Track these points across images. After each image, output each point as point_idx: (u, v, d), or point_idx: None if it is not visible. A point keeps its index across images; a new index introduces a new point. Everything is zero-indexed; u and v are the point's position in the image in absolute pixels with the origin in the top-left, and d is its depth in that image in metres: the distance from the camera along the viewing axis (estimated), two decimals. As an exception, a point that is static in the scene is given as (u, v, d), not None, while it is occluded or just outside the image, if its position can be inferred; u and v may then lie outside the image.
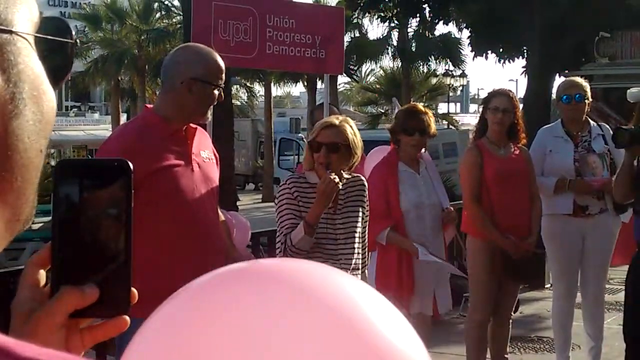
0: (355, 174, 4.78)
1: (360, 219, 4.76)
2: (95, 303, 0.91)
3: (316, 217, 4.52)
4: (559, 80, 18.91)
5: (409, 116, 5.72)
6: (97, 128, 43.49)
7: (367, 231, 4.89)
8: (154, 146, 3.89)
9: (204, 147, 4.09)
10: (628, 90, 14.63)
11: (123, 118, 40.54)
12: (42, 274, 0.93)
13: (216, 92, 4.02)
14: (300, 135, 32.80)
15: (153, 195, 3.78)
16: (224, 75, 4.08)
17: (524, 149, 6.33)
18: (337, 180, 4.51)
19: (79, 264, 0.91)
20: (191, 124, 4.03)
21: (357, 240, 4.72)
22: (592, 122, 6.60)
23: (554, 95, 18.90)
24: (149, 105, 4.19)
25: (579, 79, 6.71)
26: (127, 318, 0.93)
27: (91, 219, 0.91)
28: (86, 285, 0.90)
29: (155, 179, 3.81)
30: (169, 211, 3.87)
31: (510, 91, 6.42)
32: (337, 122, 4.66)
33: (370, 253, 5.58)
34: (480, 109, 6.43)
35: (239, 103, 45.44)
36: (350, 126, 4.64)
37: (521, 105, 6.64)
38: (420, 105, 6.15)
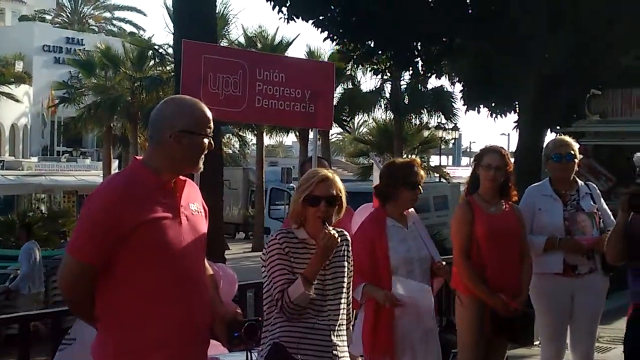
0: (339, 228, 4.69)
1: (346, 274, 4.73)
2: None
3: (315, 273, 4.48)
4: (550, 135, 19.02)
5: (410, 170, 5.68)
6: (88, 174, 43.45)
7: (351, 286, 4.84)
8: (142, 199, 3.81)
9: (193, 200, 4.04)
10: (635, 155, 14.65)
11: (115, 164, 40.57)
12: None
13: (206, 141, 3.97)
14: (291, 185, 32.80)
15: (140, 247, 3.75)
16: (212, 124, 4.04)
17: (515, 206, 6.31)
18: (336, 235, 4.48)
19: None
20: (180, 176, 3.98)
21: (344, 295, 4.68)
22: (579, 182, 6.59)
23: (545, 150, 18.99)
24: (138, 157, 4.14)
25: (568, 138, 6.72)
26: None
27: None
28: None
29: (142, 232, 3.76)
30: (155, 264, 3.79)
31: (503, 148, 6.41)
32: (330, 174, 4.65)
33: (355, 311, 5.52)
34: (473, 165, 6.41)
35: (230, 151, 45.54)
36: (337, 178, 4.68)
37: (512, 160, 6.61)
38: (417, 159, 6.14)
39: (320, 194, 4.54)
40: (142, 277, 3.78)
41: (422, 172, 5.74)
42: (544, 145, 7.00)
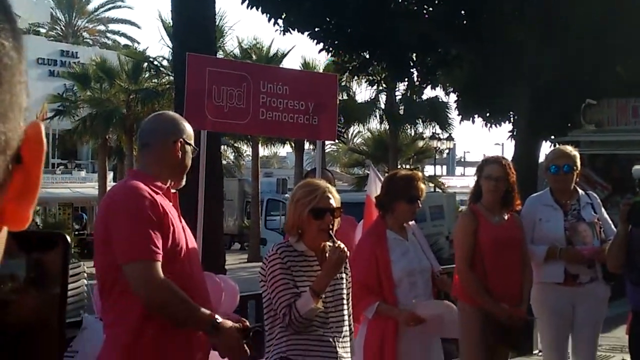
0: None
1: (345, 286, 4.74)
2: None
3: (325, 287, 4.49)
4: (545, 145, 19.07)
5: (411, 184, 5.68)
6: (83, 186, 43.35)
7: (350, 297, 4.85)
8: (159, 204, 3.92)
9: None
10: (634, 168, 14.70)
11: (110, 176, 40.46)
12: None
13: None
14: (287, 195, 32.79)
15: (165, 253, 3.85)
16: None
17: (516, 215, 6.34)
18: (345, 248, 4.52)
19: (10, 341, 0.88)
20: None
21: (345, 307, 4.69)
22: (580, 191, 6.62)
23: (541, 159, 19.04)
24: (134, 169, 4.25)
25: (569, 149, 6.74)
26: None
27: (26, 293, 0.88)
28: None
29: (164, 241, 3.86)
30: (165, 268, 3.87)
31: (504, 158, 6.46)
32: (329, 186, 4.68)
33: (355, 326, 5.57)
34: (475, 175, 6.45)
35: (225, 162, 45.49)
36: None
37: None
38: (419, 173, 6.17)
39: (325, 206, 4.53)
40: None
41: (422, 186, 5.76)
42: (545, 155, 7.04)
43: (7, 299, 0.87)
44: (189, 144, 4.11)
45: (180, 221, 4.04)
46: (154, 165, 4.04)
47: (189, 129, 4.15)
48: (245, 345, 4.02)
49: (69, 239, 0.90)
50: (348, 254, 4.59)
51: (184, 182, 4.18)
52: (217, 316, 3.93)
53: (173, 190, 4.09)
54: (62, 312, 0.89)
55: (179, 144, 4.04)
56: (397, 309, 5.50)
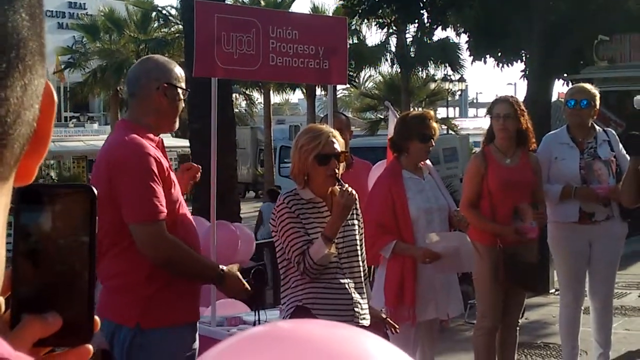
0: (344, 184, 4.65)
1: (357, 232, 4.72)
2: (58, 331, 0.89)
3: (336, 232, 4.49)
4: (558, 84, 18.91)
5: (423, 123, 5.70)
6: (96, 138, 43.33)
7: (364, 244, 4.85)
8: (161, 161, 3.98)
9: None
10: (635, 98, 14.57)
11: (122, 128, 40.43)
12: (1, 301, 0.91)
13: (183, 97, 4.17)
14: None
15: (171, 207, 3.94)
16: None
17: (533, 156, 6.33)
18: (353, 191, 4.51)
19: (41, 292, 0.89)
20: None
21: (358, 252, 4.69)
22: (598, 128, 6.59)
23: (553, 98, 18.92)
24: (124, 119, 4.27)
25: (589, 86, 6.72)
26: (89, 347, 0.92)
27: (55, 247, 0.89)
28: (49, 313, 0.88)
29: (168, 196, 3.93)
30: (176, 216, 3.99)
31: (512, 97, 6.46)
32: (332, 130, 4.65)
33: (373, 267, 5.59)
34: (488, 117, 6.45)
35: (237, 111, 45.40)
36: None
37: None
38: (431, 112, 6.19)
39: (330, 151, 4.50)
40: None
41: (435, 125, 5.78)
42: (565, 92, 7.02)
43: (36, 249, 0.88)
44: (176, 86, 4.09)
45: (172, 169, 4.11)
46: (143, 116, 4.07)
47: (175, 71, 4.13)
48: (247, 284, 4.18)
49: (95, 190, 0.90)
50: (357, 197, 4.58)
51: (176, 126, 4.21)
52: (221, 266, 4.08)
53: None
54: (92, 264, 0.90)
55: (162, 89, 4.04)
56: (413, 247, 5.54)
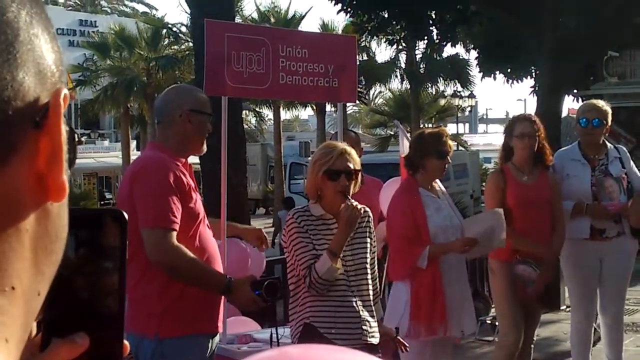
0: (360, 205, 4.62)
1: (368, 250, 4.71)
2: (89, 354, 0.89)
3: (341, 246, 4.49)
4: (568, 99, 18.90)
5: (440, 140, 5.72)
6: (107, 155, 43.61)
7: (376, 261, 4.83)
8: (182, 177, 4.14)
9: None
10: None
11: (133, 145, 40.62)
12: (33, 325, 0.92)
13: (208, 121, 4.37)
14: (309, 158, 32.74)
15: (186, 224, 4.07)
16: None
17: (551, 173, 6.33)
18: (359, 207, 4.51)
19: (71, 315, 0.90)
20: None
21: (368, 270, 4.67)
22: (609, 145, 6.59)
23: (563, 114, 18.90)
24: (153, 141, 4.49)
25: (601, 103, 6.72)
26: None
27: (86, 272, 0.89)
28: (77, 334, 0.88)
29: (183, 202, 4.08)
30: (186, 234, 4.10)
31: (532, 115, 6.51)
32: (347, 147, 4.66)
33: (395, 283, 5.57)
34: (504, 135, 6.43)
35: (247, 127, 45.48)
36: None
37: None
38: (446, 129, 6.20)
39: (340, 168, 4.51)
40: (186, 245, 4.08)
41: (450, 142, 5.79)
42: (577, 109, 7.04)
43: (67, 274, 0.89)
44: (198, 112, 4.28)
45: (197, 190, 4.27)
46: (170, 139, 4.26)
47: (194, 98, 4.35)
48: (258, 297, 4.25)
49: (125, 215, 0.91)
50: (370, 214, 4.59)
51: (205, 149, 4.38)
52: (229, 276, 4.21)
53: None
54: (122, 287, 0.91)
55: (185, 115, 4.24)
56: (448, 242, 5.55)
